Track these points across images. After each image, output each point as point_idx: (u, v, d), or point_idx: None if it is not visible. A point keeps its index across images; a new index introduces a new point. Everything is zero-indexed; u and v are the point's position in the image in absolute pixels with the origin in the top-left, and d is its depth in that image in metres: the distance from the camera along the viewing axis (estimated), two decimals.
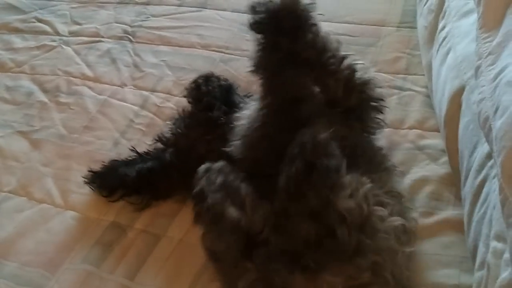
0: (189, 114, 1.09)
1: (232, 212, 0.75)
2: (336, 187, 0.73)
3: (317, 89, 0.90)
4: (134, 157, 1.10)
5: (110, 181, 1.07)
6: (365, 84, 0.91)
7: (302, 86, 0.89)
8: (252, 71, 0.92)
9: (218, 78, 1.13)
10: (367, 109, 0.92)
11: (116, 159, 1.11)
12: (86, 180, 1.08)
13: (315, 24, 0.88)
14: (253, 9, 0.89)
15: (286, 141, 0.78)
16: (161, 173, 1.04)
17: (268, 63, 0.90)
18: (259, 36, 0.89)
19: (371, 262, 0.73)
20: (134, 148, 1.11)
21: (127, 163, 1.09)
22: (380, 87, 0.94)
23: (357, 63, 0.90)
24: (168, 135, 1.08)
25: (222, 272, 0.81)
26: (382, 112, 0.93)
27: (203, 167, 0.82)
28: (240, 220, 0.75)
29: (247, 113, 0.96)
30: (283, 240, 0.73)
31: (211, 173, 0.81)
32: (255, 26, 0.89)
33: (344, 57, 0.89)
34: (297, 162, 0.74)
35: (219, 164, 0.82)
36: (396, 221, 0.79)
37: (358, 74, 0.89)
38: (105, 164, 1.10)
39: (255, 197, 0.78)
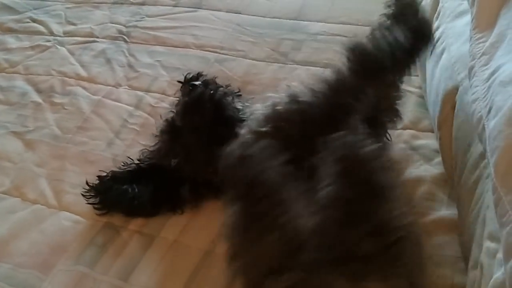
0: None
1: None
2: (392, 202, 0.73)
3: None
4: (132, 167, 1.06)
5: (115, 205, 1.03)
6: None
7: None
8: None
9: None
10: None
11: (115, 170, 1.06)
12: (86, 197, 1.04)
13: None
14: None
15: None
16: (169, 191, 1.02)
17: None
18: None
19: (407, 275, 0.73)
20: (126, 163, 1.07)
21: (126, 176, 1.04)
22: None
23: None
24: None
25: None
26: None
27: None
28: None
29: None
30: (333, 251, 0.71)
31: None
32: None
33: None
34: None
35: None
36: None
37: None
38: (104, 177, 1.04)
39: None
